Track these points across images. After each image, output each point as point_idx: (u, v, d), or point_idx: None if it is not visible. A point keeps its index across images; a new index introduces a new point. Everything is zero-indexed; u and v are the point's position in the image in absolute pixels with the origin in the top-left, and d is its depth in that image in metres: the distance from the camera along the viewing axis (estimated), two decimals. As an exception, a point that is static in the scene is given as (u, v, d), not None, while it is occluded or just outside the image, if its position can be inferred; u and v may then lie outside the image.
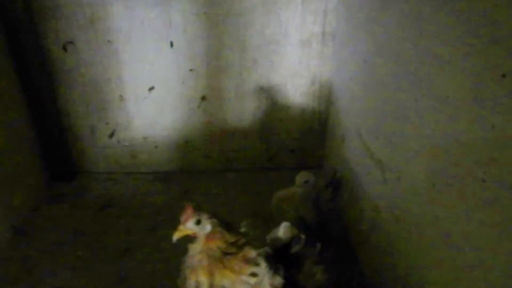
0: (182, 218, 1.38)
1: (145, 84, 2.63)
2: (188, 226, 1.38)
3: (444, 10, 1.17)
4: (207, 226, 1.39)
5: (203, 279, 1.37)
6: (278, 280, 1.42)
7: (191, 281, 1.39)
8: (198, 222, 1.38)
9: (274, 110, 2.76)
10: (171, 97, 2.68)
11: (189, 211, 1.39)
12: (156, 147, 2.87)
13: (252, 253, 1.42)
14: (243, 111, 2.75)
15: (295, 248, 1.52)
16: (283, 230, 1.55)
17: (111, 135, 2.81)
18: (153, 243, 2.30)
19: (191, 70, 2.59)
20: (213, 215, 1.42)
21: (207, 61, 2.56)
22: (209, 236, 1.39)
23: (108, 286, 2.04)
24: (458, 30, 1.10)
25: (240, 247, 1.42)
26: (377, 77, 1.80)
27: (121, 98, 2.67)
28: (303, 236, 1.54)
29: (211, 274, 1.37)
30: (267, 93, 2.69)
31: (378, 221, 1.81)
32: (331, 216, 2.27)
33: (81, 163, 2.92)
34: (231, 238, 1.42)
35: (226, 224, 1.44)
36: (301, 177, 2.10)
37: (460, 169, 1.11)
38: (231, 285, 1.38)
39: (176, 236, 1.38)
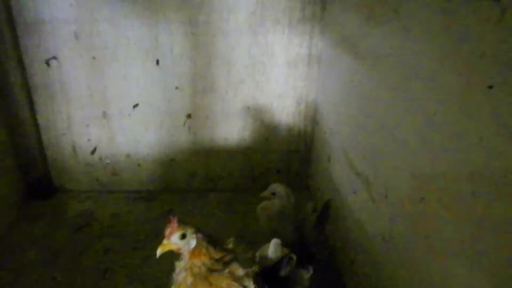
0: (167, 232, 1.34)
1: (129, 101, 2.60)
2: (173, 240, 1.33)
3: (429, 26, 1.20)
4: (192, 242, 1.35)
5: None
6: None
7: None
8: (183, 237, 1.34)
9: (260, 130, 2.75)
10: (156, 114, 2.65)
11: (174, 224, 1.34)
12: (139, 165, 2.82)
13: (239, 270, 1.37)
14: (228, 130, 2.74)
15: (285, 271, 1.47)
16: (273, 248, 1.51)
17: (93, 152, 2.75)
18: (134, 263, 2.22)
19: (177, 88, 2.58)
20: (198, 229, 1.38)
21: (193, 80, 2.56)
22: (194, 252, 1.35)
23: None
24: (443, 45, 1.12)
25: (227, 264, 1.37)
26: (362, 96, 1.81)
27: (104, 114, 2.63)
28: (294, 257, 1.49)
29: None
30: (253, 113, 2.69)
31: (365, 243, 1.79)
32: (316, 240, 2.20)
33: (60, 180, 2.84)
34: (217, 254, 1.37)
35: (212, 239, 1.40)
36: (270, 189, 2.02)
37: (449, 182, 1.11)
38: None
39: (159, 250, 1.33)
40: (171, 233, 1.33)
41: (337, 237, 2.21)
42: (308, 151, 2.83)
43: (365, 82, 1.77)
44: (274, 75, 2.57)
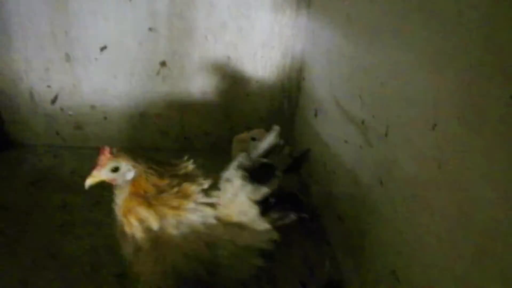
0: (98, 164, 1.22)
1: (96, 43, 2.32)
2: (103, 174, 1.21)
3: None
4: (128, 174, 1.23)
5: (138, 218, 1.21)
6: (261, 191, 1.24)
7: (130, 228, 1.22)
8: (115, 170, 1.22)
9: (241, 84, 2.52)
10: (126, 60, 2.38)
11: (104, 156, 1.21)
12: (105, 118, 2.54)
13: (191, 188, 1.25)
14: (207, 82, 2.49)
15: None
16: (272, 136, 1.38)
17: (53, 101, 2.45)
18: (96, 219, 1.97)
19: (150, 29, 2.31)
20: (138, 160, 1.24)
21: (169, 21, 2.29)
22: (134, 184, 1.23)
23: (38, 263, 1.70)
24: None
25: (178, 185, 1.25)
26: (361, 32, 1.61)
27: (67, 57, 2.33)
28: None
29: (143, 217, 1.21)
30: (234, 63, 2.45)
31: (358, 192, 1.60)
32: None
33: (16, 132, 2.54)
34: (162, 181, 1.24)
35: (161, 167, 1.28)
36: (251, 133, 1.94)
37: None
38: (176, 221, 1.23)
39: (88, 181, 1.22)
40: (101, 166, 1.21)
41: (324, 194, 2.02)
42: (293, 109, 2.62)
43: (365, 14, 1.57)
44: (259, 20, 2.33)
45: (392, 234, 1.28)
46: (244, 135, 2.08)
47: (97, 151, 1.25)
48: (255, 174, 1.29)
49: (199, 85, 2.49)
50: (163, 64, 2.40)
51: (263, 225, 1.27)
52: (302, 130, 2.49)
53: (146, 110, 2.54)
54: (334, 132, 1.90)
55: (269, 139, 1.39)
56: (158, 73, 2.43)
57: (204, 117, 2.59)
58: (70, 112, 2.50)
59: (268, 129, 1.45)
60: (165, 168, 1.29)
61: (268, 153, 1.37)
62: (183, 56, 2.39)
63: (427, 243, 1.08)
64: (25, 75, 2.36)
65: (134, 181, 1.23)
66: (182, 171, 1.32)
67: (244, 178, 1.25)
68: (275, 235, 1.29)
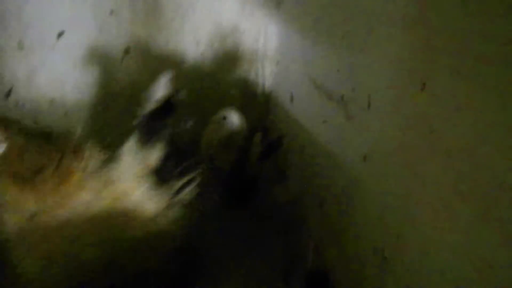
0: None
1: (52, 28, 2.12)
2: None
3: None
4: None
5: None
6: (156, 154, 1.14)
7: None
8: None
9: (210, 72, 2.38)
10: (85, 47, 2.20)
11: None
12: (65, 113, 2.34)
13: (75, 164, 1.12)
14: (175, 69, 2.32)
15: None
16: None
17: (7, 94, 2.24)
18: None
19: (112, 12, 2.14)
20: (17, 129, 1.11)
21: (131, 2, 2.13)
22: (5, 160, 1.06)
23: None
24: None
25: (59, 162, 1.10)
26: (345, 5, 1.51)
27: (21, 45, 2.13)
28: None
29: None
30: (203, 49, 2.31)
31: (340, 174, 1.49)
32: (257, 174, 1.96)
33: (-36, 129, 2.30)
34: (41, 158, 1.10)
35: (44, 137, 1.18)
36: (221, 113, 1.86)
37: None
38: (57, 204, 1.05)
39: None
40: None
41: (303, 181, 1.91)
42: (267, 96, 2.50)
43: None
44: (229, 0, 2.20)
45: (378, 211, 1.17)
46: (212, 127, 1.97)
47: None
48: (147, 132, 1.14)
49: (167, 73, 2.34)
50: (126, 51, 2.24)
51: (162, 199, 1.12)
52: (277, 117, 2.38)
53: (111, 104, 2.36)
54: (312, 114, 1.79)
55: (158, 88, 1.22)
56: (121, 61, 2.26)
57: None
58: (26, 107, 2.29)
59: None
60: (48, 142, 1.16)
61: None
62: (148, 41, 2.24)
63: (419, 216, 0.98)
64: (-27, 66, 2.15)
65: (5, 157, 1.06)
66: (71, 147, 1.19)
67: (134, 145, 1.10)
68: (183, 212, 1.14)
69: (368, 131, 1.26)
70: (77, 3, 2.09)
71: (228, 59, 2.36)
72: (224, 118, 1.88)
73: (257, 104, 2.51)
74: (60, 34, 2.14)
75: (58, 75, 2.24)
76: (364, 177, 1.28)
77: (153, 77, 2.29)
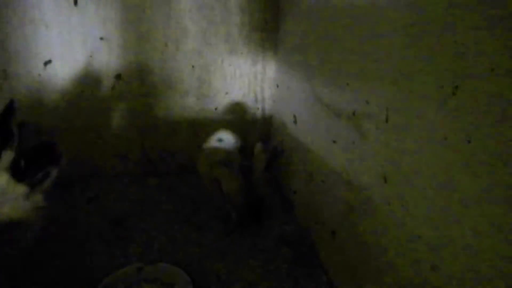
0: None
1: (38, 56, 2.01)
2: None
3: None
4: None
5: None
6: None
7: None
8: None
9: (208, 96, 2.26)
10: (74, 74, 2.08)
11: None
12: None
13: None
14: (170, 95, 2.22)
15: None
16: None
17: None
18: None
19: (101, 38, 2.04)
20: None
21: (123, 27, 2.03)
22: None
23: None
24: None
25: None
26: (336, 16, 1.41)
27: (5, 74, 2.01)
28: None
29: None
30: (199, 73, 2.20)
31: (354, 201, 1.34)
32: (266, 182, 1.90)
33: None
34: None
35: None
36: (216, 136, 1.82)
37: None
38: None
39: None
40: None
41: (312, 208, 1.75)
42: (267, 119, 2.37)
43: None
44: (225, 23, 2.11)
45: (406, 239, 1.01)
46: (209, 151, 1.84)
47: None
48: None
49: (161, 100, 2.22)
50: (118, 77, 2.12)
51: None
52: (280, 141, 2.24)
53: (102, 132, 2.22)
54: (320, 135, 1.65)
55: None
56: (113, 88, 2.14)
57: (169, 136, 2.30)
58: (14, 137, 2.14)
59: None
60: None
61: None
62: (140, 67, 2.13)
63: (459, 242, 0.82)
64: (-45, 97, 2.02)
65: None
66: None
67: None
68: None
69: (387, 148, 1.12)
70: (64, 30, 1.98)
71: (226, 83, 2.24)
72: (220, 140, 1.81)
73: (258, 128, 2.38)
74: (47, 62, 2.03)
75: (44, 103, 2.11)
76: (385, 201, 1.13)
77: (147, 103, 2.19)
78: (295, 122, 1.95)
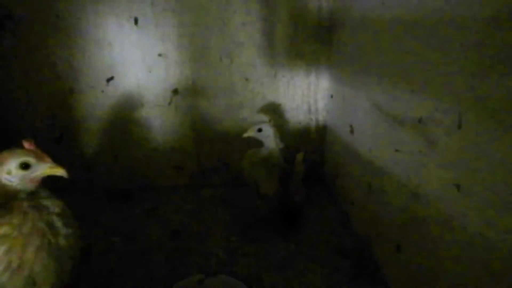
0: None
1: (102, 73, 2.12)
2: None
3: None
4: None
5: None
6: None
7: None
8: None
9: (262, 107, 2.28)
10: (134, 90, 2.17)
11: None
12: (115, 156, 2.30)
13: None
14: (224, 109, 2.25)
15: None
16: None
17: (59, 140, 2.23)
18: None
19: (160, 55, 2.12)
20: None
21: (179, 43, 2.10)
22: None
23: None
24: None
25: None
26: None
27: (71, 90, 2.14)
28: None
29: None
30: (253, 86, 2.22)
31: (422, 213, 1.27)
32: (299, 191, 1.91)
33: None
34: None
35: None
36: (255, 126, 1.85)
37: None
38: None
39: None
40: None
41: (372, 221, 1.68)
42: (321, 130, 2.34)
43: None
44: (278, 34, 2.12)
45: (486, 255, 0.94)
46: (252, 151, 1.94)
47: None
48: None
49: (216, 113, 2.26)
50: (175, 92, 2.19)
51: None
52: (335, 151, 2.20)
53: (158, 145, 2.29)
54: (379, 145, 1.60)
55: None
56: (170, 103, 2.21)
57: (223, 147, 2.33)
58: (77, 151, 2.26)
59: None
60: None
61: None
62: (196, 81, 2.18)
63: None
64: (25, 111, 2.16)
65: None
66: None
67: None
68: None
69: (460, 155, 1.06)
70: (126, 48, 2.08)
71: (279, 94, 2.25)
72: (260, 130, 1.85)
73: (311, 139, 2.35)
74: (109, 79, 2.13)
75: (107, 119, 2.21)
76: (460, 212, 1.06)
77: (202, 116, 2.23)
78: (351, 132, 1.91)
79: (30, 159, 1.08)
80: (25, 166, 1.07)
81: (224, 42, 2.12)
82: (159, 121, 2.24)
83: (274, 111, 2.27)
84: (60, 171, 1.12)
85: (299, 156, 1.87)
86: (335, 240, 1.83)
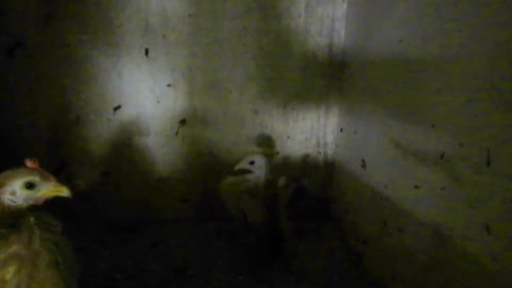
0: None
1: (109, 102, 2.10)
2: None
3: None
4: None
5: None
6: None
7: None
8: None
9: (270, 141, 2.24)
10: (142, 119, 2.14)
11: None
12: (118, 186, 2.23)
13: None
14: (232, 141, 2.21)
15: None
16: None
17: (59, 171, 2.17)
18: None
19: (169, 85, 2.10)
20: None
21: (190, 75, 2.09)
22: None
23: None
24: None
25: None
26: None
27: (78, 120, 2.10)
28: None
29: None
30: (262, 118, 2.20)
31: (445, 254, 1.21)
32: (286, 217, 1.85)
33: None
34: None
35: None
36: (248, 159, 1.81)
37: None
38: None
39: None
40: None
41: (387, 263, 1.61)
42: (329, 165, 2.29)
43: None
44: (288, 73, 2.12)
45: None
46: (231, 179, 1.91)
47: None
48: None
49: (224, 144, 2.22)
50: (182, 122, 2.16)
51: None
52: (344, 186, 2.14)
53: (164, 175, 2.23)
54: (396, 180, 1.55)
55: None
56: (177, 133, 2.17)
57: (230, 180, 2.27)
58: (79, 182, 2.20)
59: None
60: None
61: None
62: (205, 112, 2.15)
63: None
64: (33, 141, 2.11)
65: None
66: None
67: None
68: None
69: (490, 194, 1.01)
70: (135, 78, 2.07)
71: (288, 126, 2.22)
72: (252, 163, 1.80)
73: (320, 174, 2.31)
74: (116, 108, 2.10)
75: (112, 148, 2.16)
76: (490, 255, 1.00)
77: (209, 147, 2.19)
78: (363, 166, 1.87)
79: (35, 178, 1.05)
80: (29, 185, 1.04)
81: (234, 75, 2.11)
82: (165, 151, 2.20)
83: (282, 143, 2.23)
84: (64, 191, 1.10)
85: (281, 181, 1.86)
86: (348, 284, 1.74)
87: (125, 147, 2.16)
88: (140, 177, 2.22)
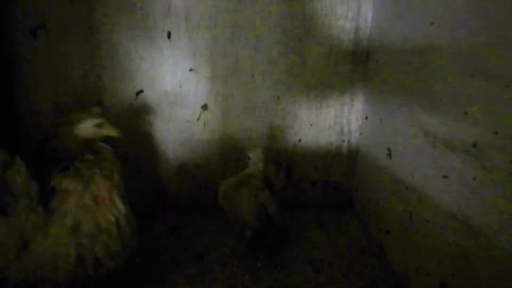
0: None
1: (131, 86, 2.09)
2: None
3: None
4: None
5: None
6: None
7: None
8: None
9: (292, 127, 2.19)
10: (163, 104, 2.12)
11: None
12: (138, 172, 2.24)
13: None
14: (254, 127, 2.18)
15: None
16: None
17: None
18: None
19: (191, 70, 2.08)
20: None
21: (211, 59, 2.06)
22: None
23: None
24: None
25: None
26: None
27: (100, 103, 2.10)
28: None
29: None
30: (284, 105, 2.15)
31: (474, 247, 1.15)
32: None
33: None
34: None
35: None
36: (247, 154, 1.80)
37: None
38: None
39: None
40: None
41: (411, 253, 1.55)
42: (353, 153, 2.23)
43: None
44: (312, 55, 2.06)
45: None
46: (235, 179, 1.82)
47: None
48: None
49: (245, 130, 2.18)
50: (204, 107, 2.13)
51: None
52: (368, 176, 2.08)
53: (184, 161, 2.22)
54: (422, 170, 1.49)
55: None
56: (198, 118, 2.15)
57: (250, 167, 2.24)
58: (101, 166, 2.21)
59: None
60: None
61: None
62: (227, 98, 2.12)
63: None
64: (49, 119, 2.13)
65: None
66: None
67: None
68: None
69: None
70: (157, 62, 2.04)
71: (311, 114, 2.17)
72: (249, 158, 1.79)
73: (342, 163, 2.25)
74: (139, 92, 2.09)
75: (133, 132, 2.16)
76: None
77: (230, 133, 2.16)
78: (389, 155, 1.80)
79: (102, 121, 1.49)
80: (98, 125, 1.47)
81: (257, 59, 2.06)
82: (186, 136, 2.18)
83: (305, 131, 2.18)
84: (117, 132, 1.54)
85: (270, 170, 1.89)
86: (369, 273, 1.70)
87: (145, 132, 2.16)
88: (160, 162, 2.22)
